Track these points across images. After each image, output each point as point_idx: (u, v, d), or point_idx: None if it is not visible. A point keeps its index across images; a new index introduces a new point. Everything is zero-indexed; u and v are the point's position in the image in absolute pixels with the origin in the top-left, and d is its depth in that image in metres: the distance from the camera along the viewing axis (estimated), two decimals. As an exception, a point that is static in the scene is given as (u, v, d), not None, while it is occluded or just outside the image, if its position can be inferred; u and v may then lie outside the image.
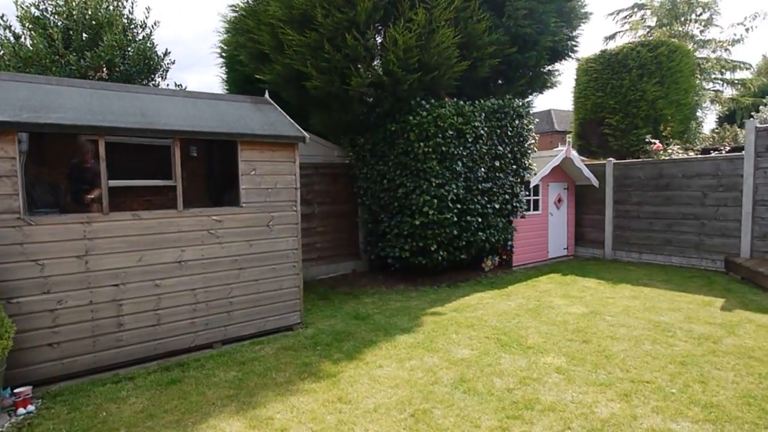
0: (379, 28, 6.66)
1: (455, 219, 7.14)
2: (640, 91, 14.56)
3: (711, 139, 17.27)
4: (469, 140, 7.22)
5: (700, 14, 16.48)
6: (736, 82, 21.22)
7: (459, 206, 7.18)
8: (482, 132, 7.35)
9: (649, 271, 8.27)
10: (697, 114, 17.52)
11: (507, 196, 7.89)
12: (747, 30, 16.97)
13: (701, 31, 17.18)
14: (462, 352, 4.46)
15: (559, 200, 9.95)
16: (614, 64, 14.90)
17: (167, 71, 9.64)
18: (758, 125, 7.69)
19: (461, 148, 7.14)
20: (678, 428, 2.99)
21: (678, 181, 8.84)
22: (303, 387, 3.76)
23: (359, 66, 6.56)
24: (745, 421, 3.05)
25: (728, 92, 21.53)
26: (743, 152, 7.92)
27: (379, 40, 7.00)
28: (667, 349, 4.39)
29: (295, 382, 3.85)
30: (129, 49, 8.99)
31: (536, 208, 9.32)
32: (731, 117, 23.07)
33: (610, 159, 10.20)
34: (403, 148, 7.11)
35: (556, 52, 8.38)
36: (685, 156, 9.15)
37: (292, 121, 5.38)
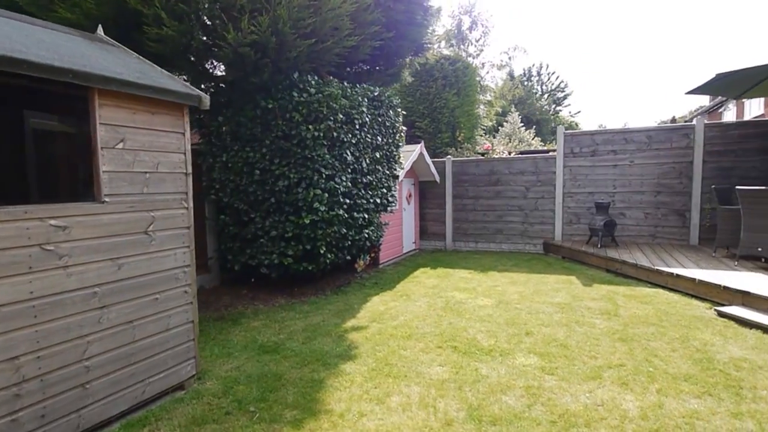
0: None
1: (345, 216, 6.25)
2: (444, 99, 16.32)
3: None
4: (356, 127, 6.43)
5: (478, 40, 19.75)
6: (485, 102, 26.53)
7: (348, 201, 6.32)
8: (366, 119, 6.66)
9: (496, 258, 9.16)
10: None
11: (384, 190, 7.43)
12: (510, 58, 21.22)
13: (477, 55, 20.61)
14: (434, 371, 3.73)
15: (410, 195, 10.11)
16: (423, 73, 16.22)
17: None
18: (565, 132, 9.41)
19: (350, 135, 6.29)
20: (696, 407, 3.04)
21: (506, 177, 10.10)
22: (282, 482, 2.37)
23: (238, 17, 4.95)
24: (723, 385, 3.34)
25: (481, 109, 26.79)
26: (555, 153, 9.58)
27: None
28: (594, 329, 4.68)
29: (261, 478, 2.41)
30: None
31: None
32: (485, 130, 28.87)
33: (449, 156, 10.97)
34: (284, 130, 5.80)
35: (419, 46, 8.37)
36: (512, 155, 10.54)
37: (165, 71, 3.56)
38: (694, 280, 5.74)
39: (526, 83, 44.37)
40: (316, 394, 3.33)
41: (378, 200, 7.12)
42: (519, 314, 5.22)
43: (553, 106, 44.93)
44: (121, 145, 2.92)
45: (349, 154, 6.25)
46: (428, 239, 10.91)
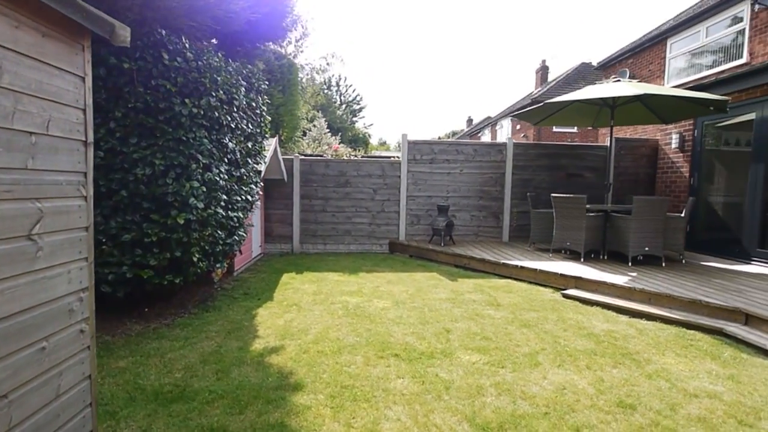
0: None
1: (222, 215, 5.15)
2: (269, 95, 15.47)
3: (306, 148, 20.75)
4: (234, 109, 5.38)
5: (298, 40, 19.42)
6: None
7: (225, 197, 5.23)
8: (243, 102, 5.66)
9: (352, 259, 9.08)
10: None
11: (253, 186, 6.45)
12: (328, 64, 21.62)
13: (295, 56, 20.24)
14: (398, 384, 3.37)
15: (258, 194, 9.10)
16: (246, 63, 15.04)
17: None
18: (410, 140, 10.08)
19: (229, 118, 5.21)
20: (623, 376, 3.60)
21: (355, 179, 10.16)
22: None
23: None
24: (620, 354, 4.07)
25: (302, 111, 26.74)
26: (400, 158, 10.15)
27: None
28: (495, 319, 5.08)
29: None
30: None
31: (244, 202, 8.11)
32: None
33: (297, 154, 10.36)
34: (147, 102, 4.38)
35: (284, 31, 7.59)
36: (360, 158, 10.61)
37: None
38: (535, 270, 6.91)
39: (326, 92, 46.28)
40: (292, 443, 2.57)
41: (249, 197, 6.14)
42: (423, 313, 5.27)
43: (351, 116, 48.23)
44: (-5, 80, 1.62)
45: (228, 140, 5.18)
46: (273, 242, 10.04)
